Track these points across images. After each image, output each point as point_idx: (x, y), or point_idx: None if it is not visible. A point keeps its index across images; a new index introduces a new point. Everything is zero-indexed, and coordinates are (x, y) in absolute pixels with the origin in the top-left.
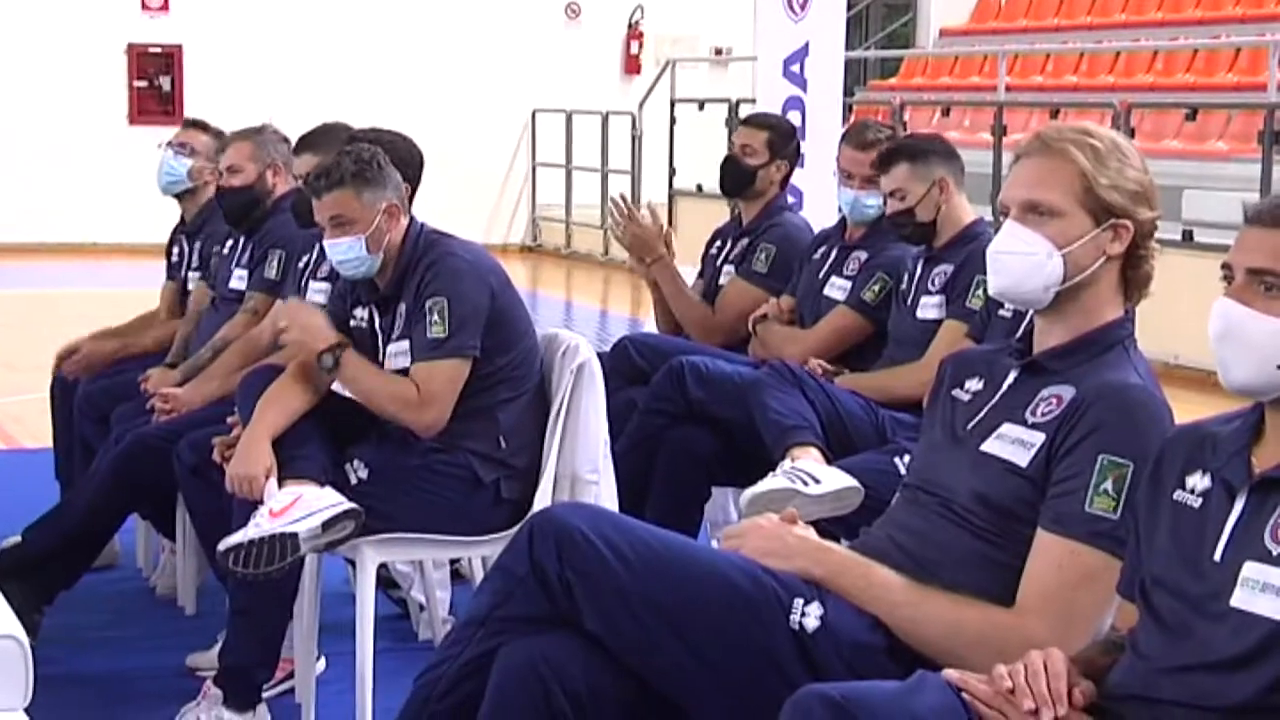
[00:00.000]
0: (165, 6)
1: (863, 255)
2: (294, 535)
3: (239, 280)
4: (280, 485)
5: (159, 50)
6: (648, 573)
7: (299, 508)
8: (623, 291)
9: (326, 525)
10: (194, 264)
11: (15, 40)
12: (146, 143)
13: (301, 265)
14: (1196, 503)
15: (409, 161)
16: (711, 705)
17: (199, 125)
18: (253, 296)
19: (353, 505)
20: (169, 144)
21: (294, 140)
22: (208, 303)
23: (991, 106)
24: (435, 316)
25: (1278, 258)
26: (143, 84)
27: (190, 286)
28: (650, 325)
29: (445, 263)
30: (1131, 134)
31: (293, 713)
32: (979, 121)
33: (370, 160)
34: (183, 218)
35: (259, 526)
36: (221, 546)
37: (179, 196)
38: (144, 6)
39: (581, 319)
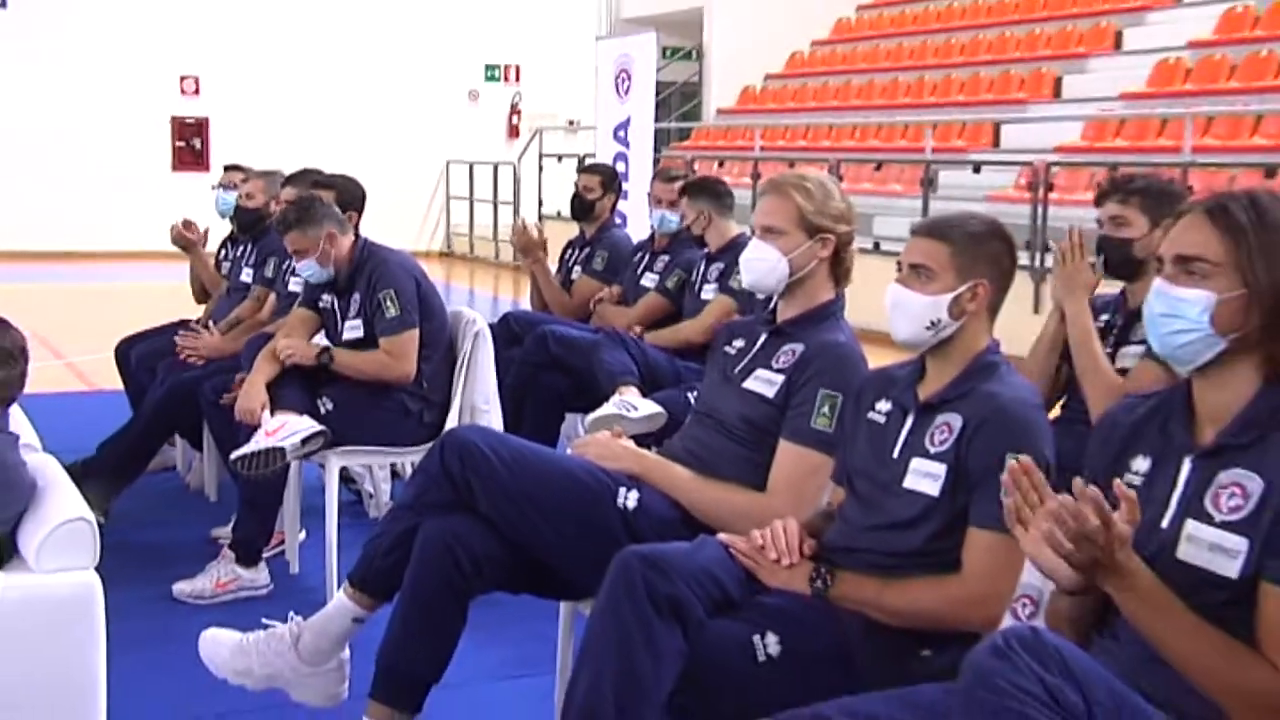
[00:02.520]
0: (197, 91)
1: (666, 257)
2: (281, 449)
3: (247, 276)
4: (271, 415)
5: (193, 120)
6: (521, 472)
7: (285, 430)
8: (507, 284)
9: (304, 441)
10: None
11: (97, 112)
12: (184, 183)
13: (285, 266)
14: (883, 420)
15: (355, 195)
16: (566, 561)
17: (236, 168)
18: (255, 288)
19: (322, 428)
20: (219, 184)
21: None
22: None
23: (750, 160)
24: (388, 304)
25: (926, 255)
26: (181, 144)
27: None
28: (525, 305)
29: (385, 265)
30: (840, 179)
31: (283, 567)
32: (743, 170)
33: (308, 207)
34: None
35: (258, 443)
36: (233, 456)
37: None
38: (182, 92)
39: (480, 302)
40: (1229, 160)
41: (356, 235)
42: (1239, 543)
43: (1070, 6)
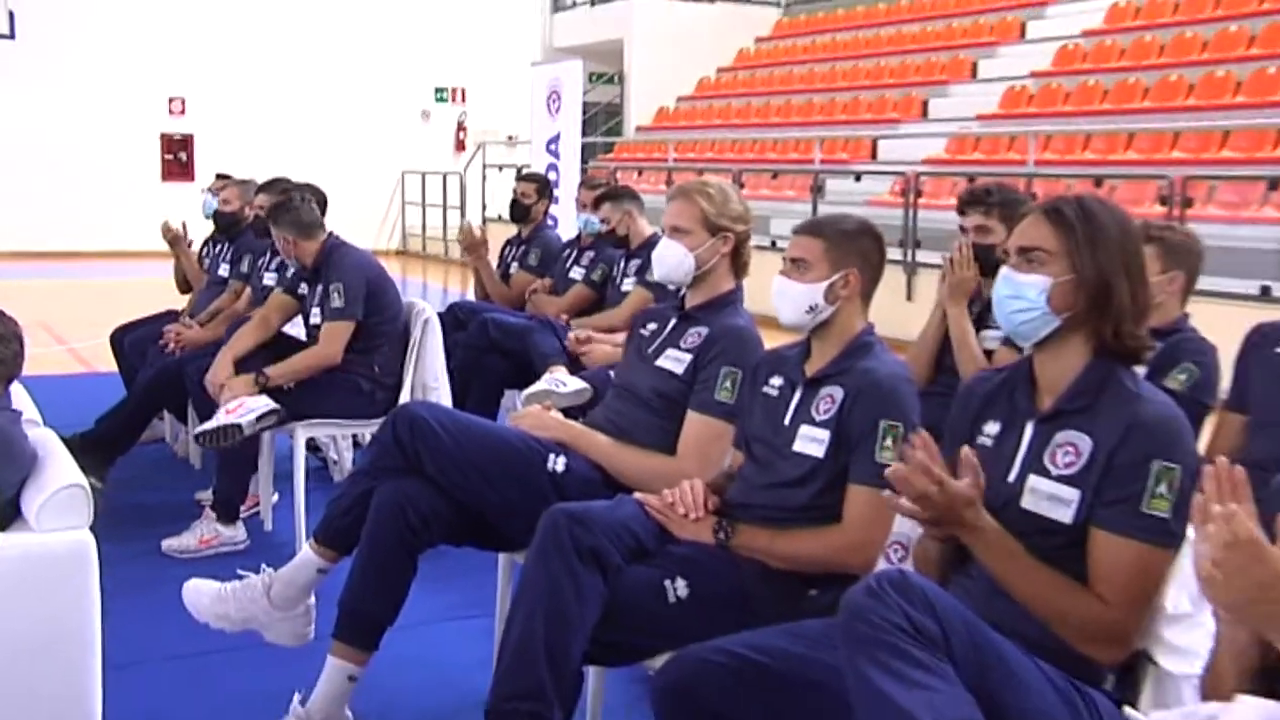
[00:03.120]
0: (183, 111)
1: (591, 253)
2: (239, 425)
3: (224, 271)
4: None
5: (179, 137)
6: (463, 440)
7: (243, 409)
8: (455, 277)
9: (259, 419)
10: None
11: (96, 130)
12: (172, 192)
13: (259, 263)
14: (775, 393)
15: (320, 201)
16: (503, 518)
17: (225, 178)
18: (233, 283)
19: (275, 406)
20: (207, 189)
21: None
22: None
23: (665, 170)
24: (335, 295)
25: (804, 250)
26: (169, 157)
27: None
28: (470, 295)
29: (343, 261)
30: (741, 186)
31: (258, 525)
32: (659, 178)
33: (299, 208)
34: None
35: (218, 420)
36: (195, 431)
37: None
38: (170, 112)
39: (431, 294)
40: (1065, 172)
41: (327, 233)
42: (1072, 494)
43: (934, 41)
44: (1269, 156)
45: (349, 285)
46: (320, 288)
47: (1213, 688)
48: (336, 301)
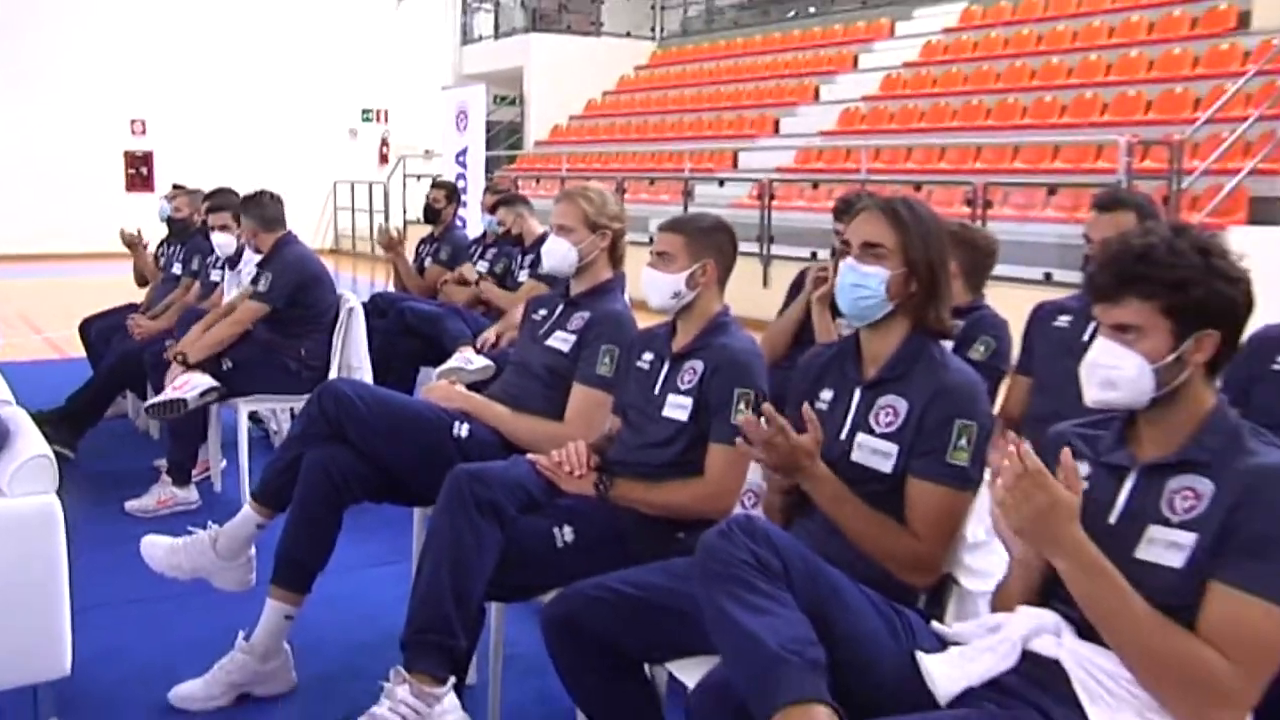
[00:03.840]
0: (144, 132)
1: (494, 250)
2: (184, 399)
3: (177, 269)
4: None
5: (141, 153)
6: (380, 411)
7: (188, 385)
8: (380, 272)
9: (202, 394)
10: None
11: (69, 148)
12: (134, 201)
13: (209, 261)
14: (647, 367)
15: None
16: (415, 477)
17: (178, 188)
18: (184, 279)
19: (215, 384)
20: (163, 198)
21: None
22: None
23: (559, 179)
24: (263, 280)
25: (668, 245)
26: (132, 171)
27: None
28: (390, 287)
29: (285, 256)
30: (623, 191)
31: (209, 488)
32: (554, 186)
33: (266, 205)
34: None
35: (166, 394)
36: (146, 404)
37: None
38: (133, 132)
39: (360, 286)
40: (891, 179)
41: (286, 232)
42: (892, 448)
43: (784, 70)
44: (1049, 168)
45: (277, 276)
46: (258, 274)
47: (1001, 602)
48: (262, 286)
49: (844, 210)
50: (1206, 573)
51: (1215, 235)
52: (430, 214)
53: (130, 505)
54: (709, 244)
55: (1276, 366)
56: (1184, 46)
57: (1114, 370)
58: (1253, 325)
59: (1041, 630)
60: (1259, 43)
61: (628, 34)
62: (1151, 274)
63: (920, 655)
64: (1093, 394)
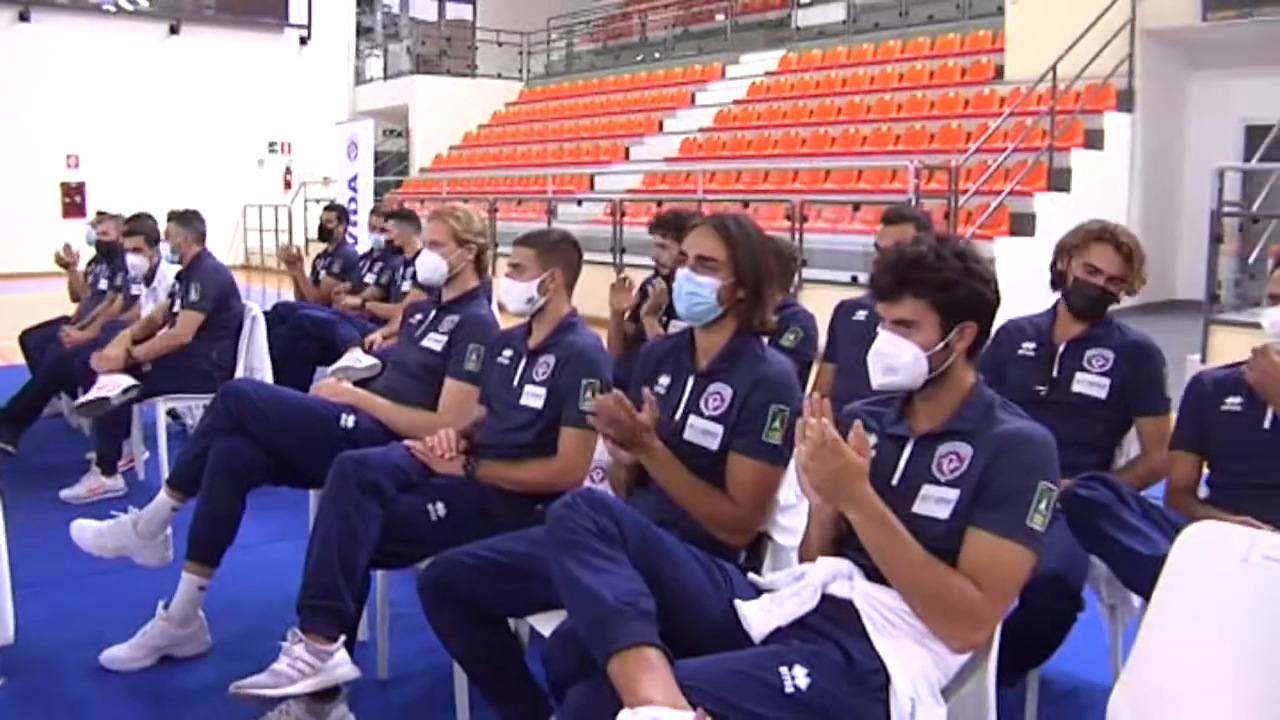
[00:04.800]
0: (78, 165)
1: (380, 264)
2: (106, 398)
3: (103, 285)
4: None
5: (75, 184)
6: (276, 407)
7: (110, 386)
8: (284, 284)
9: (124, 392)
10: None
11: (12, 181)
12: (69, 226)
13: (130, 278)
14: (507, 361)
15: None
16: (309, 464)
17: (103, 214)
18: (109, 294)
19: (136, 383)
20: (90, 224)
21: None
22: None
23: (439, 200)
24: (194, 290)
25: (521, 257)
26: (67, 200)
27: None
28: (291, 297)
29: (207, 268)
30: (495, 210)
31: (134, 477)
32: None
33: (195, 221)
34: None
35: (92, 394)
36: (75, 403)
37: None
38: (67, 166)
39: (268, 296)
40: (724, 198)
41: (204, 249)
42: (718, 429)
43: (633, 106)
44: (854, 188)
45: (206, 285)
46: (182, 285)
47: (805, 554)
48: (194, 296)
49: (658, 226)
50: (966, 521)
51: (971, 243)
52: (324, 233)
53: (65, 494)
54: (556, 255)
55: (1023, 351)
56: (956, 91)
57: (895, 358)
58: (1007, 316)
59: (837, 576)
60: (1011, 90)
61: (499, 75)
62: (923, 277)
63: (738, 602)
64: (877, 378)
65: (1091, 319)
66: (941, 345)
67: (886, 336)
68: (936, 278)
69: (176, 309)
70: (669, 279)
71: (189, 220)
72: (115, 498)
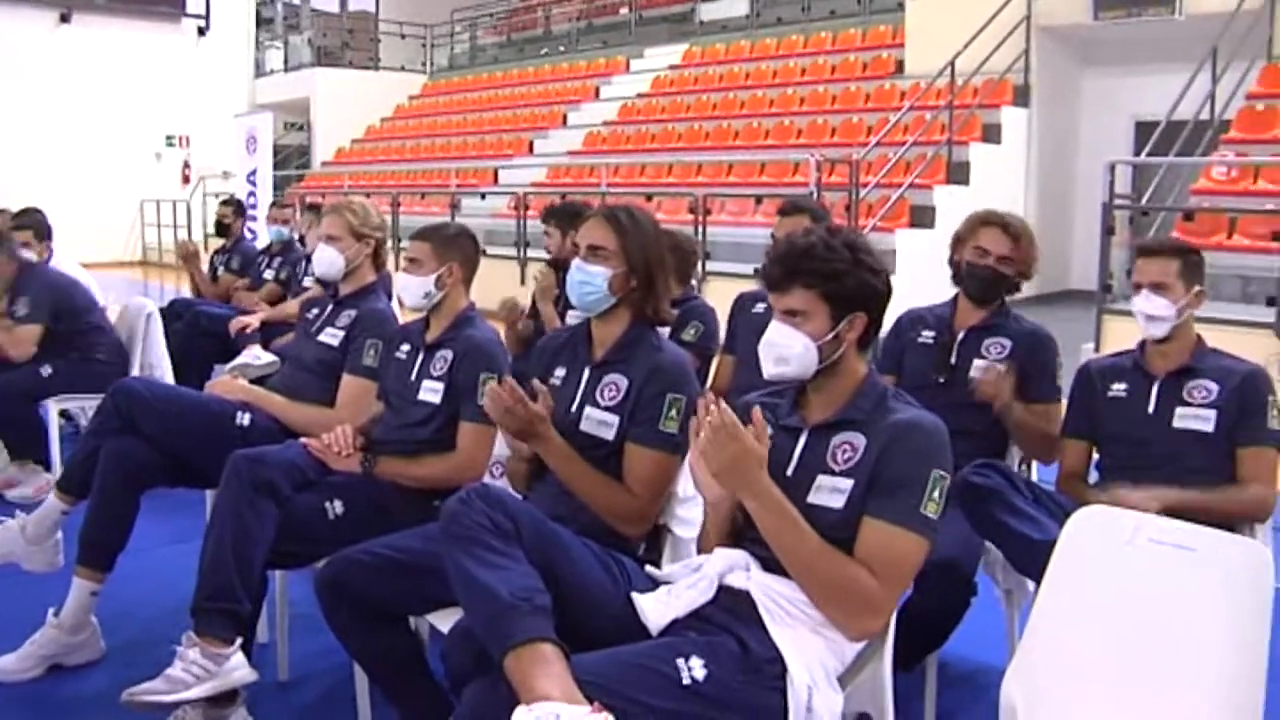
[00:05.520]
0: None
1: (279, 259)
2: None
3: None
4: None
5: None
6: (169, 405)
7: None
8: (181, 280)
9: None
10: None
11: None
12: None
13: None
14: (405, 357)
15: (44, 225)
16: (205, 463)
17: None
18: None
19: None
20: None
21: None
22: None
23: (343, 195)
24: (20, 305)
25: (417, 251)
26: None
27: None
28: (188, 293)
29: (33, 280)
30: (399, 205)
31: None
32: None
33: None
34: None
35: None
36: None
37: None
38: None
39: (166, 293)
40: (627, 191)
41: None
42: (614, 419)
43: (537, 99)
44: (757, 181)
45: (35, 299)
46: (8, 297)
47: (702, 545)
48: (21, 310)
49: (548, 216)
50: (861, 510)
51: (861, 234)
52: (220, 228)
53: (10, 494)
54: (453, 249)
55: (921, 339)
56: (857, 85)
57: (786, 348)
58: (908, 305)
59: (734, 567)
60: (911, 84)
61: (402, 68)
62: (812, 267)
63: (635, 595)
64: (769, 368)
65: (987, 302)
66: (831, 335)
67: (777, 327)
68: (825, 268)
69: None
70: (557, 266)
71: (30, 220)
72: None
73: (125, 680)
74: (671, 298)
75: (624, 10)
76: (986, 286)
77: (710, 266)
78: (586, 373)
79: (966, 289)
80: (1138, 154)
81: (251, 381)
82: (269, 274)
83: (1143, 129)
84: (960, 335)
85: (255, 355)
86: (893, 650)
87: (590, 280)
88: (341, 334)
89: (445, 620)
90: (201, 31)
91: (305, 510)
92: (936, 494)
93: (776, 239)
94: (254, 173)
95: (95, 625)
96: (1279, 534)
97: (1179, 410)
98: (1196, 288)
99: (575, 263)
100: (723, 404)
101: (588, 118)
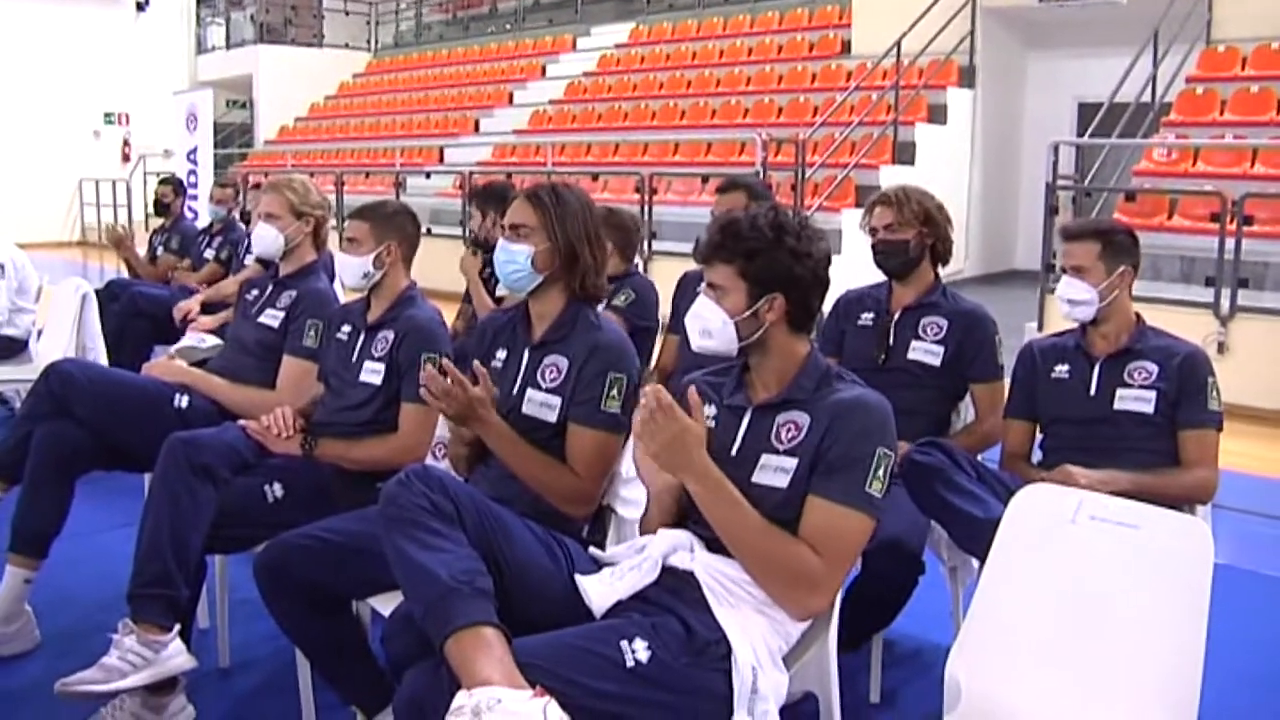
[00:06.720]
0: None
1: (219, 238)
2: None
3: None
4: None
5: None
6: (104, 387)
7: None
8: (115, 261)
9: None
10: None
11: None
12: None
13: None
14: (345, 338)
15: None
16: (142, 446)
17: None
18: None
19: None
20: None
21: None
22: None
23: (287, 174)
24: None
25: (355, 231)
26: None
27: None
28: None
29: None
30: (343, 184)
31: None
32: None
33: None
34: None
35: None
36: None
37: None
38: None
39: (106, 274)
40: (574, 170)
41: None
42: (556, 400)
43: (483, 78)
44: (703, 161)
45: None
46: None
47: (645, 527)
48: None
49: (474, 197)
50: (806, 489)
51: (801, 217)
52: (160, 207)
53: None
54: (392, 227)
55: (861, 321)
56: (804, 65)
57: (707, 321)
58: (855, 285)
59: (678, 548)
60: (857, 64)
61: (346, 45)
62: (733, 245)
63: (579, 577)
64: (695, 340)
65: (904, 277)
66: (749, 313)
67: (702, 300)
68: (743, 246)
69: None
70: (485, 247)
71: None
72: None
73: (61, 670)
74: (616, 274)
75: None
76: (888, 259)
77: (656, 246)
78: (526, 354)
79: (881, 269)
80: (1081, 135)
81: (191, 364)
82: (209, 253)
83: (1086, 111)
84: (896, 315)
85: (200, 338)
86: (838, 629)
87: (514, 259)
88: (282, 315)
89: (387, 604)
90: (140, 7)
91: (244, 493)
92: (881, 472)
93: (715, 215)
94: (194, 151)
95: (30, 614)
96: (1219, 510)
97: (1120, 392)
98: (1122, 268)
99: (500, 242)
100: (659, 387)
101: (534, 96)
